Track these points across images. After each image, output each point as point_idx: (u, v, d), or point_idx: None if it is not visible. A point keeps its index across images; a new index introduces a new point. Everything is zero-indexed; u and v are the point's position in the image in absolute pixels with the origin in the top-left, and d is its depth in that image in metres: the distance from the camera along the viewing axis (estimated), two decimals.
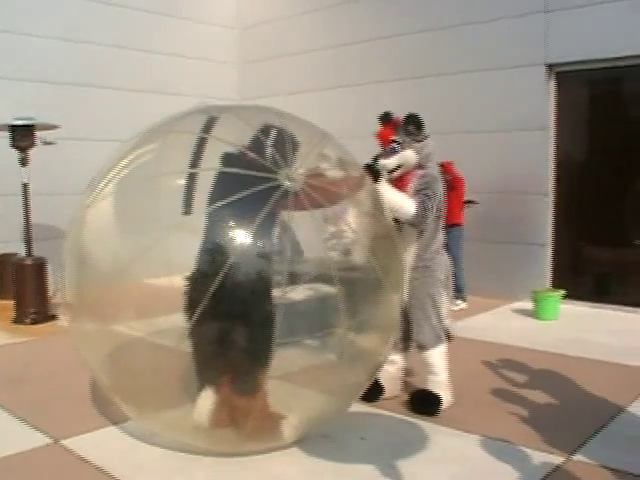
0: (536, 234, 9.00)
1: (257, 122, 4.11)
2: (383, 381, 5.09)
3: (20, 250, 8.65)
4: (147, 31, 11.33)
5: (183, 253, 3.83)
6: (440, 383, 4.95)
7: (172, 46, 11.64)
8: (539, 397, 5.21)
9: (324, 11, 11.34)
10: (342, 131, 5.66)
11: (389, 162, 4.87)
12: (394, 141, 4.91)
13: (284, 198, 3.73)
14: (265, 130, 4.02)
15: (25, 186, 8.06)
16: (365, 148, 5.01)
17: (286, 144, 3.95)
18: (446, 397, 4.94)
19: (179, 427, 4.07)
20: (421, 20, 9.99)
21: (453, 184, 8.33)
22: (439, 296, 4.96)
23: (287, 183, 3.76)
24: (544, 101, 8.89)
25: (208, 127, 4.10)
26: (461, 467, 4.05)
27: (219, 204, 3.65)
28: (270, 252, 3.75)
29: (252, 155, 3.84)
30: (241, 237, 3.65)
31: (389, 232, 4.35)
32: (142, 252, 3.75)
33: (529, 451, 4.21)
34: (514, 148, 9.07)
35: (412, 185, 4.84)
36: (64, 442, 4.41)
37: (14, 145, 8.00)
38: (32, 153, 8.11)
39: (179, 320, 3.68)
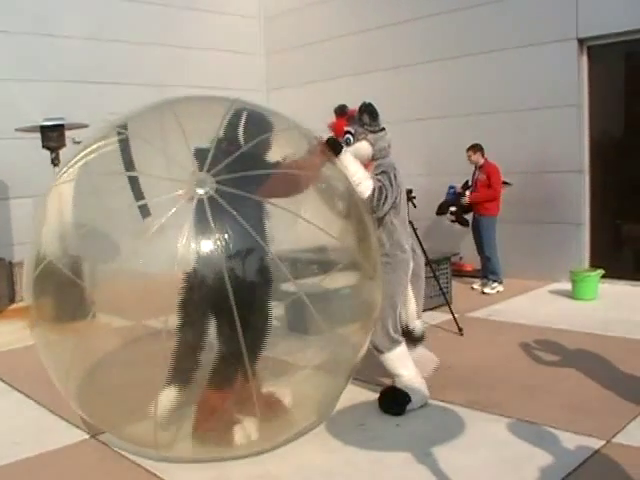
0: (573, 213, 8.82)
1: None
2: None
3: None
4: (171, 26, 11.35)
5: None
6: (406, 383, 4.65)
7: (197, 39, 11.64)
8: (578, 380, 5.12)
9: None
10: None
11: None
12: (348, 132, 4.67)
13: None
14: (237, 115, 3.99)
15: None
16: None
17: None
18: (418, 394, 4.66)
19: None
20: (446, 0, 9.82)
21: (490, 180, 8.33)
22: (399, 297, 4.62)
23: (199, 191, 3.61)
24: (577, 77, 8.68)
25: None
26: (497, 452, 3.98)
27: None
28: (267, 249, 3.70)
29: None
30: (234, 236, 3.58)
31: (362, 214, 4.27)
32: (113, 255, 3.77)
33: (568, 435, 4.13)
34: (547, 126, 8.88)
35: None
36: (100, 437, 4.45)
37: (45, 146, 8.06)
38: (62, 153, 8.16)
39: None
